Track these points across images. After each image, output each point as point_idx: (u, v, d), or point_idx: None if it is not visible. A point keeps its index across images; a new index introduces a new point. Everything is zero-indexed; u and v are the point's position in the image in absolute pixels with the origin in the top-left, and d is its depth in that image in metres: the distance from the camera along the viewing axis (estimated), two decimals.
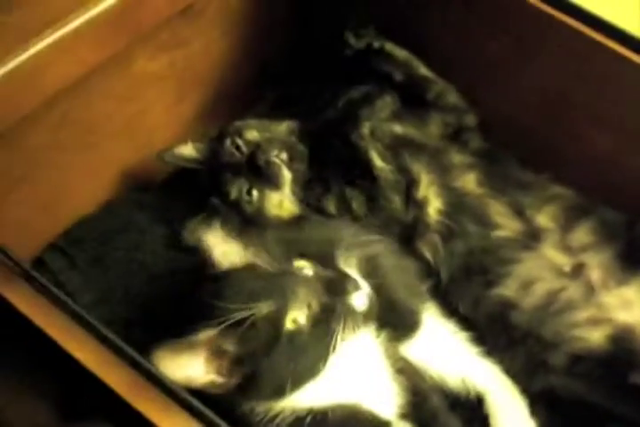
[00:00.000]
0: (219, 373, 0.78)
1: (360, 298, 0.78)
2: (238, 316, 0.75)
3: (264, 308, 0.75)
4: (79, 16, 0.91)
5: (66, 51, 0.92)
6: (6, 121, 0.92)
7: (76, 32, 0.92)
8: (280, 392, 0.78)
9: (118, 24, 0.97)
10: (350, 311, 0.78)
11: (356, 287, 0.78)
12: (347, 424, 0.84)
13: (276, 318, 0.76)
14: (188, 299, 0.89)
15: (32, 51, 0.88)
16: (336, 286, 0.78)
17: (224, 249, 0.84)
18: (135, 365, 0.74)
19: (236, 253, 0.84)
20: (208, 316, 0.77)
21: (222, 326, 0.75)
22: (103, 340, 0.76)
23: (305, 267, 0.82)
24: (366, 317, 0.82)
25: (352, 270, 0.87)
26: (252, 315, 0.75)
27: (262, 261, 0.81)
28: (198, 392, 0.73)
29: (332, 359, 0.78)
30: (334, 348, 0.77)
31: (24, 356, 1.16)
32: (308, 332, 0.77)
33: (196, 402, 0.70)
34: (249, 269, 0.81)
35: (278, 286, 0.78)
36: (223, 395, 0.79)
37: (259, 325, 0.76)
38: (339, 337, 0.77)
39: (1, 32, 0.86)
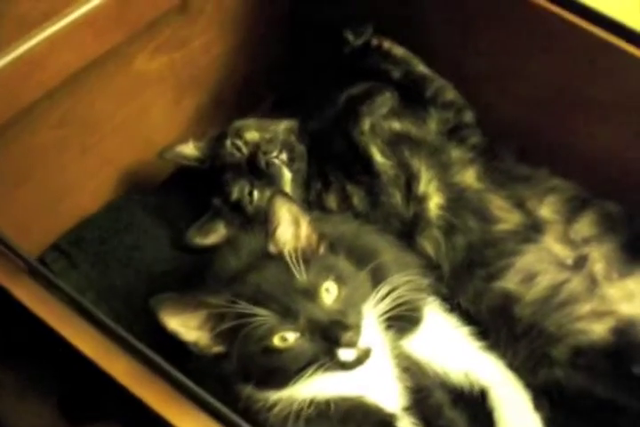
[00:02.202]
0: (209, 334, 0.78)
1: (347, 354, 0.77)
2: (234, 309, 0.76)
3: (262, 318, 0.76)
4: (78, 8, 0.93)
5: (65, 42, 0.93)
6: (8, 112, 0.92)
7: (75, 24, 0.93)
8: (247, 382, 0.80)
9: (117, 16, 0.98)
10: (332, 358, 0.77)
11: (350, 344, 0.76)
12: (350, 416, 0.83)
13: (267, 331, 0.76)
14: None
15: (32, 42, 0.89)
16: (332, 332, 0.76)
17: (287, 229, 0.83)
18: (140, 356, 0.74)
19: (292, 238, 0.83)
20: (218, 292, 0.79)
21: (222, 309, 0.77)
22: (106, 331, 0.76)
23: (331, 289, 0.80)
24: None
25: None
26: (249, 316, 0.76)
27: (296, 266, 0.79)
28: (201, 380, 0.73)
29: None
30: (302, 378, 0.77)
31: (26, 359, 1.16)
32: (288, 354, 0.77)
33: (201, 391, 0.70)
34: (279, 269, 0.80)
35: (288, 303, 0.77)
36: (224, 381, 0.80)
37: (248, 328, 0.76)
38: (310, 373, 0.77)
39: (1, 23, 0.86)
